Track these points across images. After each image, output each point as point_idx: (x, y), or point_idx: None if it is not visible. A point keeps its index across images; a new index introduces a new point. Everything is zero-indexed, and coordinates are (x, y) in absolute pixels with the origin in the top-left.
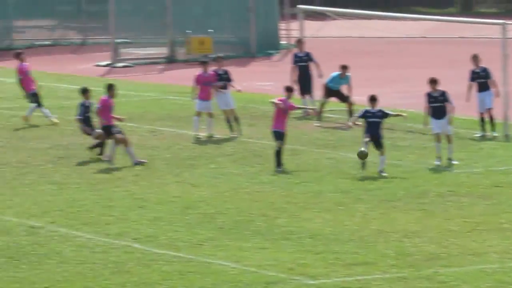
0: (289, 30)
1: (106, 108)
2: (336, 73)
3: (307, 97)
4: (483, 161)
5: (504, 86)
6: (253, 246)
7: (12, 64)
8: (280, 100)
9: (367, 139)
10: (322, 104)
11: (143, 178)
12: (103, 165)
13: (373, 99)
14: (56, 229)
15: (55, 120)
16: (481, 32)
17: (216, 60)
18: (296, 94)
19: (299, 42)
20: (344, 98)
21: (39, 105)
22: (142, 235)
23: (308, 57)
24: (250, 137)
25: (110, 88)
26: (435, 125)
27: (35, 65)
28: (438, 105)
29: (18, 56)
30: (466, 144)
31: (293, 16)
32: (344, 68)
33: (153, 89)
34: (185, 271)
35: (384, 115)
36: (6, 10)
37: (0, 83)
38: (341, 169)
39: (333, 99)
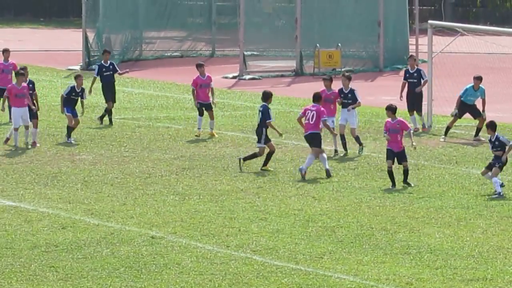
0: (419, 45)
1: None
2: (469, 85)
3: (415, 114)
4: None
5: None
6: (372, 260)
7: (141, 75)
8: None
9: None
10: (454, 119)
11: (265, 190)
12: (227, 177)
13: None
14: (177, 239)
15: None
16: None
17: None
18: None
19: (411, 58)
20: (476, 114)
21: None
22: (262, 247)
23: (418, 74)
24: (373, 151)
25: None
26: None
27: (164, 76)
28: None
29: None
30: None
31: (423, 31)
32: (477, 79)
33: (280, 102)
34: (304, 284)
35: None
36: (136, 21)
37: (128, 94)
38: (463, 185)
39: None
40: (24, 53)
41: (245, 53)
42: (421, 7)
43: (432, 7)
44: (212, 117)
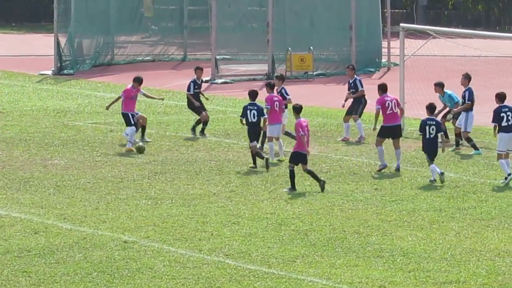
0: (391, 48)
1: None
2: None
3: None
4: None
5: None
6: (345, 263)
7: (113, 79)
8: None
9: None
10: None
11: (238, 194)
12: (199, 181)
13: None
14: (149, 244)
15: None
16: None
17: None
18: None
19: (348, 69)
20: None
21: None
22: (235, 251)
23: (355, 84)
24: (346, 154)
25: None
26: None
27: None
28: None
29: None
30: None
31: (395, 35)
32: (436, 85)
33: None
34: (277, 287)
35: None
36: (108, 25)
37: (100, 98)
38: (436, 188)
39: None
40: None
41: (217, 57)
42: (393, 10)
43: (404, 10)
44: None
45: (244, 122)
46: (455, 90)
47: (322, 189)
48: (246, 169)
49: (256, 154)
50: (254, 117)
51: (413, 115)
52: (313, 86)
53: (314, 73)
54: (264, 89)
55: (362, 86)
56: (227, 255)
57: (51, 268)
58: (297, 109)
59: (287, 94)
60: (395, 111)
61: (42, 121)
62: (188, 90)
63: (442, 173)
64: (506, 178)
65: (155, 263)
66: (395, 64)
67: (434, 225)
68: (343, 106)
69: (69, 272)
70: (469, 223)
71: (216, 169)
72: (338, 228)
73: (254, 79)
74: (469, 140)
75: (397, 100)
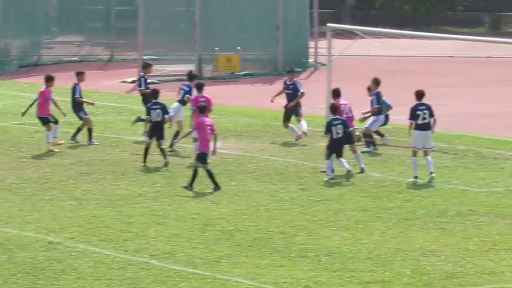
0: (318, 49)
1: None
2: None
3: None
4: (504, 181)
5: None
6: (270, 263)
7: (39, 80)
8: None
9: None
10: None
11: (163, 194)
12: (125, 181)
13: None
14: (74, 245)
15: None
16: (509, 52)
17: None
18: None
19: (289, 73)
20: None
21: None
22: (160, 251)
23: (294, 86)
24: (272, 154)
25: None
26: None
27: (63, 81)
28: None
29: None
30: (487, 163)
31: (322, 35)
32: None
33: None
34: None
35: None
36: (35, 25)
37: (26, 99)
38: (362, 187)
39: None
40: None
41: (144, 57)
42: (320, 10)
43: (332, 10)
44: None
45: (149, 121)
46: (386, 91)
47: (215, 190)
48: (172, 170)
49: (161, 150)
50: (158, 116)
51: None
52: (240, 87)
53: (241, 73)
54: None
55: (302, 88)
56: (152, 255)
57: None
58: (201, 109)
59: (300, 88)
60: (350, 115)
61: None
62: (140, 86)
63: (349, 170)
64: (415, 178)
65: (80, 264)
66: (322, 64)
67: (360, 225)
68: (273, 100)
69: None
70: (394, 222)
71: (142, 169)
72: (263, 228)
73: (181, 79)
74: (366, 136)
75: (350, 106)
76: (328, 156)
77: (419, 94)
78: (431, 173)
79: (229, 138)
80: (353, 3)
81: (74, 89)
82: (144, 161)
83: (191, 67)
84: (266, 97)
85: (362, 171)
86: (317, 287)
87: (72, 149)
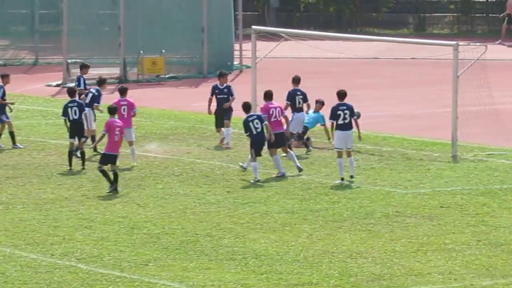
0: (242, 51)
1: None
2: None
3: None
4: (430, 182)
5: (453, 107)
6: (197, 266)
7: None
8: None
9: None
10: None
11: (90, 198)
12: (51, 185)
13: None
14: (1, 249)
15: None
16: (433, 53)
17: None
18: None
19: (224, 76)
20: None
21: None
22: (87, 255)
23: (228, 90)
24: (198, 157)
25: None
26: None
27: None
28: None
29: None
30: (413, 164)
31: (247, 37)
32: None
33: (105, 109)
34: None
35: None
36: None
37: None
38: (288, 190)
39: None
40: None
41: (69, 61)
42: (245, 13)
43: (256, 13)
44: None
45: (67, 121)
46: (310, 92)
47: (111, 191)
48: (97, 173)
49: (70, 154)
50: (75, 114)
51: None
52: (165, 89)
53: (166, 76)
54: (117, 92)
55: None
56: (79, 259)
57: None
58: (111, 110)
59: (234, 93)
60: (279, 119)
61: None
62: (79, 86)
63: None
64: (342, 179)
65: (7, 268)
66: (247, 67)
67: (287, 227)
68: (212, 113)
69: None
70: (321, 224)
71: (68, 173)
72: (190, 231)
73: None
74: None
75: (281, 108)
76: (254, 157)
77: (341, 95)
78: (351, 176)
79: (154, 141)
80: (277, 5)
81: None
82: (70, 165)
83: (116, 70)
84: (192, 100)
85: (299, 170)
86: None
87: None
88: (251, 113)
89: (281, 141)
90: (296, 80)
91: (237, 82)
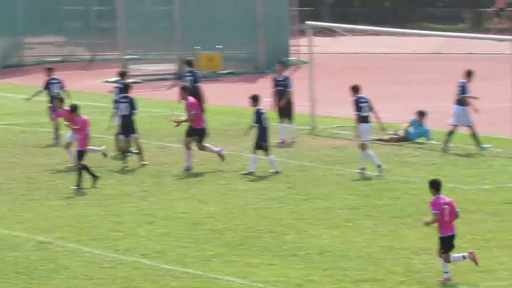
0: (298, 46)
1: None
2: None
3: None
4: (493, 178)
5: None
6: (261, 262)
7: (22, 80)
8: None
9: None
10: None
11: (151, 194)
12: (112, 181)
13: None
14: (65, 244)
15: None
16: (491, 48)
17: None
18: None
19: (279, 65)
20: None
21: None
22: (151, 250)
23: (286, 82)
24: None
25: None
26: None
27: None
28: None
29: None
30: (476, 161)
31: (302, 33)
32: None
33: (161, 105)
34: (193, 287)
35: None
36: (16, 26)
37: (9, 99)
38: (349, 186)
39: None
40: None
41: (126, 57)
42: (299, 8)
43: (311, 8)
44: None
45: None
46: (367, 88)
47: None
48: (158, 169)
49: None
50: (126, 110)
51: (324, 113)
52: (222, 85)
53: (223, 72)
54: (174, 88)
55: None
56: (143, 254)
57: None
58: (72, 108)
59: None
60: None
61: None
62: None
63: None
64: (379, 166)
65: (72, 263)
66: (303, 62)
67: (349, 223)
68: (278, 106)
69: None
70: (384, 221)
71: (129, 169)
72: (253, 227)
73: (163, 79)
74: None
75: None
76: (255, 150)
77: (356, 88)
78: (363, 169)
79: (214, 137)
80: (332, 1)
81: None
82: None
83: (172, 66)
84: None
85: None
86: (309, 286)
87: (59, 149)
88: (260, 107)
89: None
90: (356, 89)
91: (294, 77)
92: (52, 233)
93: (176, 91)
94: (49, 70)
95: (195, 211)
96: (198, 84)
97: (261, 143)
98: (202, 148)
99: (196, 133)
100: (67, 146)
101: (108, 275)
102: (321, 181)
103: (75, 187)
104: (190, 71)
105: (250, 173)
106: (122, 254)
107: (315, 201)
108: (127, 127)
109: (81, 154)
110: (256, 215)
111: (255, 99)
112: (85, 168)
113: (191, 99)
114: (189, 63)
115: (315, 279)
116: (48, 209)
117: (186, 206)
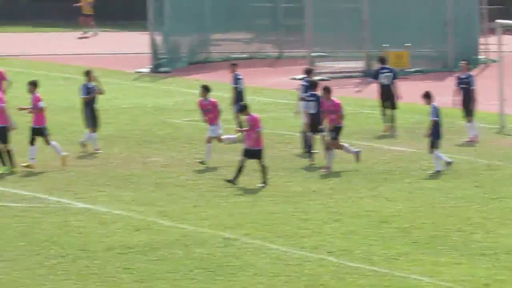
0: (488, 45)
1: None
2: None
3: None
4: None
5: None
6: (448, 261)
7: (209, 77)
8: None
9: None
10: None
11: (338, 191)
12: (298, 178)
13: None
14: (251, 241)
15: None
16: None
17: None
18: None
19: (464, 64)
20: None
21: None
22: (337, 248)
23: (469, 80)
24: (445, 152)
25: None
26: None
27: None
28: None
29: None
30: None
31: (492, 31)
32: None
33: (349, 103)
34: (381, 285)
35: None
36: (203, 23)
37: (196, 96)
38: None
39: None
40: (90, 56)
41: (313, 54)
42: (489, 7)
43: (502, 7)
44: None
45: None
46: None
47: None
48: (343, 166)
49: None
50: (313, 108)
51: None
52: (410, 83)
53: (410, 70)
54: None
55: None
56: (329, 252)
57: (153, 265)
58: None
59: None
60: None
61: (140, 119)
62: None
63: (450, 162)
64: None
65: (257, 260)
66: (493, 61)
67: None
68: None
69: (170, 269)
70: None
71: (315, 166)
72: (440, 225)
73: (350, 76)
74: None
75: None
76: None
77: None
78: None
79: (401, 135)
80: None
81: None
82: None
83: (360, 64)
84: (436, 94)
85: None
86: (497, 285)
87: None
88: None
89: None
90: None
91: (482, 76)
92: (238, 230)
93: (365, 89)
94: (233, 66)
95: (382, 209)
96: (395, 81)
97: (435, 140)
98: (339, 147)
99: (336, 131)
100: (208, 140)
101: (294, 272)
102: (509, 181)
103: (261, 185)
104: (388, 68)
105: (438, 172)
106: (309, 252)
107: (504, 200)
108: (314, 125)
109: (257, 153)
110: (443, 214)
111: (428, 96)
112: (242, 167)
113: (336, 100)
114: (383, 60)
115: (504, 278)
116: (234, 206)
117: (373, 204)
